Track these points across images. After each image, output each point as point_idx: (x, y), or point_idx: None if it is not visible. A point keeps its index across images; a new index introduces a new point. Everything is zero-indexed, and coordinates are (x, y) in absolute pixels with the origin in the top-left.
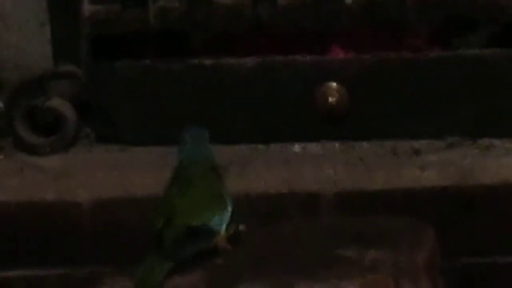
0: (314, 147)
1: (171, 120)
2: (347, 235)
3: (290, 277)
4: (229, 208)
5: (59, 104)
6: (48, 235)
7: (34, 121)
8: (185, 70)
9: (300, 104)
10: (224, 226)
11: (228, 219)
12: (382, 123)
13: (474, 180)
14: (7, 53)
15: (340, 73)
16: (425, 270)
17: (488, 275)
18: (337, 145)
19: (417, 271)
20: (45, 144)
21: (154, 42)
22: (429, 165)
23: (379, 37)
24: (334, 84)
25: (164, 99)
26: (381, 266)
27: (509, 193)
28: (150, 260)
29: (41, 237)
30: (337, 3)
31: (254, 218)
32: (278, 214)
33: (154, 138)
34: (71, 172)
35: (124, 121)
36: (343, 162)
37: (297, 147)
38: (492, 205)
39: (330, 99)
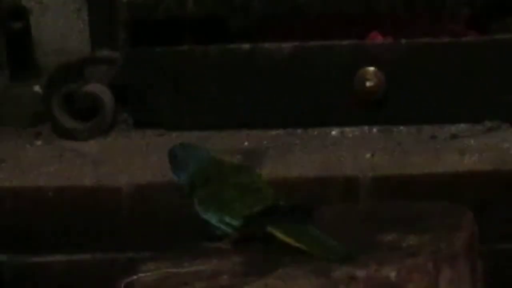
0: (352, 132)
1: (208, 104)
2: (386, 220)
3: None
4: None
5: (97, 89)
6: (88, 220)
7: (72, 106)
8: (223, 55)
9: (338, 88)
10: None
11: None
12: (420, 108)
13: None
14: (45, 38)
15: (378, 57)
16: (464, 254)
17: None
18: (375, 129)
19: (456, 256)
20: (83, 129)
21: (191, 27)
22: (468, 149)
23: (417, 22)
24: (372, 69)
25: (201, 84)
26: (420, 251)
27: None
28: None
29: (81, 222)
30: None
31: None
32: (317, 198)
33: (192, 122)
34: (110, 157)
35: (161, 106)
36: (381, 146)
37: (335, 132)
38: None
39: (368, 84)
